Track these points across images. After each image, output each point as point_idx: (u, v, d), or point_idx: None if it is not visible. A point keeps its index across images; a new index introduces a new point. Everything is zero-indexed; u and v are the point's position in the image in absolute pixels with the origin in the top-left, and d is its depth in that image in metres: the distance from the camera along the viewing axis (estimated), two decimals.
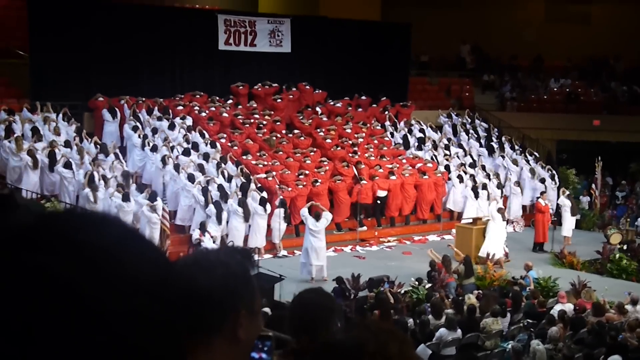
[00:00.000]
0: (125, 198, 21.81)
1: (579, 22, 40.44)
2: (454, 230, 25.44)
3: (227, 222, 22.72)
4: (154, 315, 1.15)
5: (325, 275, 21.23)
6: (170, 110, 27.47)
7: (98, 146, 24.85)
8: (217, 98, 29.06)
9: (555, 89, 38.43)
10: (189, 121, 27.14)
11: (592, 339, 14.66)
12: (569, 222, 26.42)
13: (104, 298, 1.10)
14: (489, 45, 40.15)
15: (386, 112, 31.98)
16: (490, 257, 22.52)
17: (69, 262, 1.10)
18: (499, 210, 24.31)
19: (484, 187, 27.93)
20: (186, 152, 25.14)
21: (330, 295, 4.21)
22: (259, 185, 24.29)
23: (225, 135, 26.94)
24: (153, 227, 21.48)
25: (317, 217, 21.77)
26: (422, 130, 31.69)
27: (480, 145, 31.93)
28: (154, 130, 26.10)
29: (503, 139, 32.95)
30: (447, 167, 29.02)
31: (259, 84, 30.12)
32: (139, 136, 25.49)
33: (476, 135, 32.67)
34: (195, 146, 25.78)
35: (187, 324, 2.04)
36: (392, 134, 31.17)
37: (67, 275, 1.09)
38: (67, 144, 24.28)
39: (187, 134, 26.39)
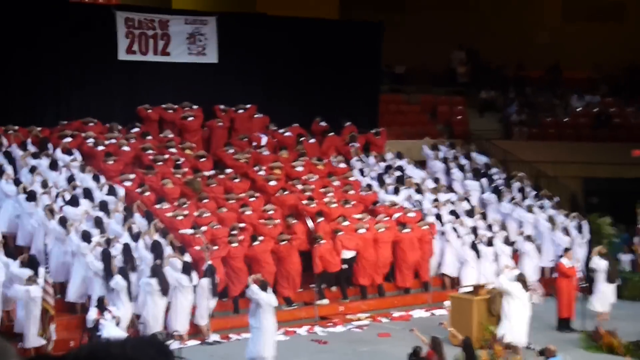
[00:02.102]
0: None
1: (608, 20, 41.10)
2: (447, 303, 25.39)
3: (137, 297, 22.45)
4: None
5: None
6: (50, 144, 27.25)
7: None
8: (118, 126, 28.96)
9: (578, 109, 38.84)
10: (78, 158, 26.98)
11: None
12: (605, 293, 26.20)
13: None
14: (489, 51, 40.54)
15: (352, 144, 32.08)
16: (501, 340, 22.39)
17: None
18: (519, 278, 23.69)
19: (489, 243, 28.05)
20: (74, 202, 24.87)
21: None
22: (179, 245, 24.09)
23: (131, 177, 26.80)
24: (33, 305, 21.15)
25: (264, 287, 21.23)
26: (400, 168, 31.84)
27: (481, 187, 32.07)
28: (32, 170, 25.81)
29: (511, 178, 33.11)
30: (437, 217, 29.14)
31: (173, 106, 30.07)
32: (8, 181, 25.20)
33: (473, 174, 32.80)
34: (88, 193, 25.54)
35: None
36: (360, 173, 31.27)
37: None
38: None
39: (76, 175, 26.19)
